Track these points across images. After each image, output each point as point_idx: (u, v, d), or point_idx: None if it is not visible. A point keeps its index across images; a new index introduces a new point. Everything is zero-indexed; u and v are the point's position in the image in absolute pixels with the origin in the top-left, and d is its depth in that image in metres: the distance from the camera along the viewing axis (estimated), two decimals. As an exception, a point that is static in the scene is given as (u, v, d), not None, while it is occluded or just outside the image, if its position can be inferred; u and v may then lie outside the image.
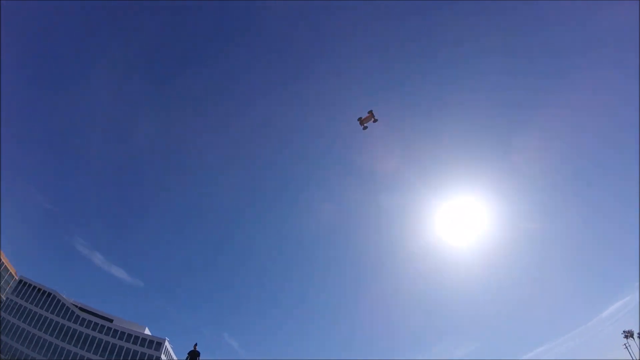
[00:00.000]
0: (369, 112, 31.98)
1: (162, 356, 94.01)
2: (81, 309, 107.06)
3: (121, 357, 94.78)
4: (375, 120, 32.46)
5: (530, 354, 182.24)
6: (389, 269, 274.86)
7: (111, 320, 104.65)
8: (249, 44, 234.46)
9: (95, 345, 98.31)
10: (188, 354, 17.64)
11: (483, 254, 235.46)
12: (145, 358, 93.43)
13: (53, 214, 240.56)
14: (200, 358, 17.25)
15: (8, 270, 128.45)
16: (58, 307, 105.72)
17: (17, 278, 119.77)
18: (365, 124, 33.02)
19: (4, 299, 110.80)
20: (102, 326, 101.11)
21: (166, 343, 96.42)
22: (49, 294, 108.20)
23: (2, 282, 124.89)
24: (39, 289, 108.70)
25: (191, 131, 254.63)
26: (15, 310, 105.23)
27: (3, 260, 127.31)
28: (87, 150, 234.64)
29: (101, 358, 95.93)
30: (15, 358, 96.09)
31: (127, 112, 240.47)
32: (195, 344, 17.85)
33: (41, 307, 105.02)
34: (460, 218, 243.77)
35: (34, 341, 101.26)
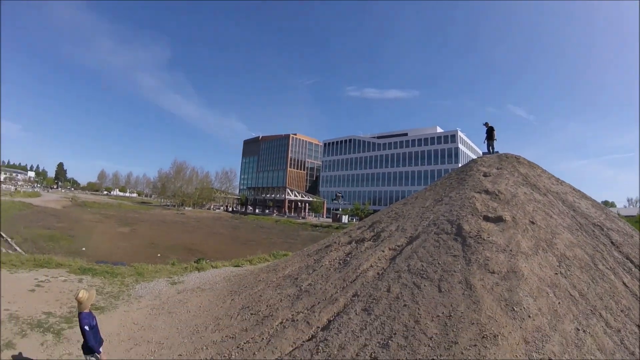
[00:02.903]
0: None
1: (459, 146, 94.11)
2: (378, 137, 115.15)
3: (425, 160, 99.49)
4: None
5: None
6: None
7: (405, 134, 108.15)
8: None
9: (395, 160, 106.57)
10: (486, 132, 16.01)
11: None
12: (445, 153, 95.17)
13: (317, 86, 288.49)
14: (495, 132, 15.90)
15: (313, 143, 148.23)
16: (359, 146, 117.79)
17: (321, 144, 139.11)
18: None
19: (320, 162, 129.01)
20: (400, 142, 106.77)
21: (459, 133, 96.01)
22: (349, 140, 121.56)
23: (313, 153, 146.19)
24: (340, 141, 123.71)
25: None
26: (326, 167, 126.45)
27: (305, 139, 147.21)
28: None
29: (405, 168, 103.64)
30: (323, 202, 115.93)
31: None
32: (486, 123, 16.03)
33: (345, 154, 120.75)
34: None
35: (343, 179, 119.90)
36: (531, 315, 5.73)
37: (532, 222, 8.67)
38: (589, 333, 5.59)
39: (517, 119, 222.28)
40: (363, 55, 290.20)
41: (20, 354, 7.55)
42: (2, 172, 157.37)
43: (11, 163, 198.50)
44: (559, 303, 6.13)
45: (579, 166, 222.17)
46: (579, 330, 5.61)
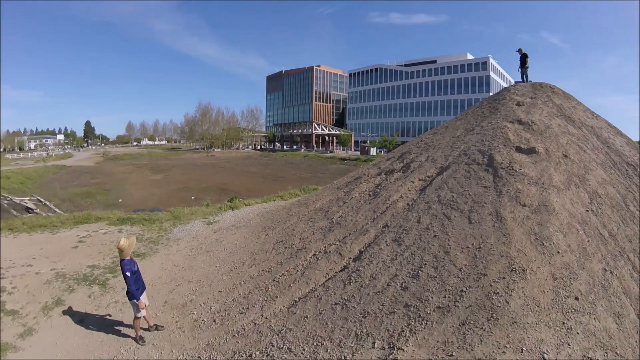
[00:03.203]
0: None
1: (491, 74, 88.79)
2: (406, 65, 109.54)
3: (454, 89, 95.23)
4: None
5: None
6: None
7: (434, 62, 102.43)
8: None
9: (424, 88, 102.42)
10: (519, 59, 15.47)
11: None
12: (476, 81, 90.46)
13: (338, 14, 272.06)
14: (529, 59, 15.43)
15: (337, 74, 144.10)
16: (386, 75, 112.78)
17: (345, 74, 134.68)
18: None
19: (346, 94, 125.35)
20: (428, 70, 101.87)
21: (490, 60, 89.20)
22: (375, 69, 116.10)
23: (339, 85, 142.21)
24: (366, 71, 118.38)
25: None
26: (353, 99, 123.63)
27: (330, 70, 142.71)
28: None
29: (434, 97, 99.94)
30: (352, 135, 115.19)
31: None
32: (520, 49, 15.44)
33: (371, 84, 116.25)
34: None
35: (370, 110, 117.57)
36: (560, 252, 5.73)
37: (566, 156, 8.40)
38: (616, 275, 5.57)
39: (550, 47, 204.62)
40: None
41: (70, 308, 8.06)
42: (32, 140, 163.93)
43: (39, 130, 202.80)
44: (589, 241, 6.09)
45: (614, 102, 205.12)
46: (606, 270, 5.60)
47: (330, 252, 8.16)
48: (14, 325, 7.38)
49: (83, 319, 7.64)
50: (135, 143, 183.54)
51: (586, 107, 12.75)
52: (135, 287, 6.64)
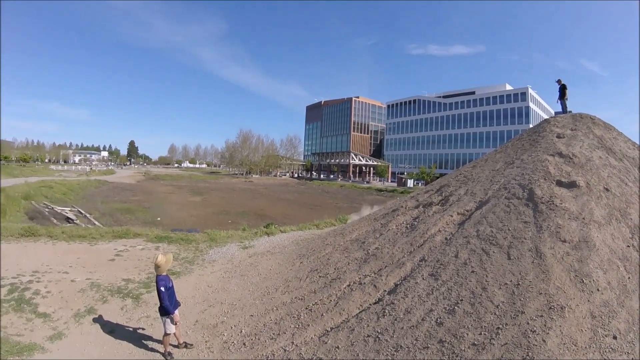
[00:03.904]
0: None
1: (530, 104, 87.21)
2: (444, 96, 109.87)
3: (494, 120, 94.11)
4: None
5: None
6: None
7: (473, 92, 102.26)
8: None
9: (462, 120, 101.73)
10: (559, 90, 15.51)
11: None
12: (515, 112, 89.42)
13: (378, 47, 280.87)
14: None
15: (376, 106, 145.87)
16: (424, 106, 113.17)
17: (384, 106, 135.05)
18: None
19: (384, 125, 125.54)
20: (467, 101, 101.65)
21: (529, 91, 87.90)
22: (413, 101, 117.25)
23: (377, 116, 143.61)
24: (404, 102, 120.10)
25: None
26: (391, 130, 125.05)
27: (368, 101, 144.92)
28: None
29: (472, 129, 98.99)
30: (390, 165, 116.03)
31: None
32: (559, 80, 15.38)
33: (409, 115, 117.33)
34: None
35: (407, 142, 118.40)
36: (600, 289, 5.55)
37: (607, 189, 8.16)
38: (656, 314, 5.31)
39: (589, 73, 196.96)
40: (423, 7, 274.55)
41: (101, 317, 8.30)
42: (77, 154, 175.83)
43: (84, 145, 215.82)
44: (629, 278, 5.84)
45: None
46: (646, 309, 5.34)
47: (365, 283, 8.16)
48: (45, 327, 7.66)
49: (113, 330, 7.84)
50: (176, 165, 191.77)
51: (627, 137, 12.37)
52: (168, 303, 6.83)
